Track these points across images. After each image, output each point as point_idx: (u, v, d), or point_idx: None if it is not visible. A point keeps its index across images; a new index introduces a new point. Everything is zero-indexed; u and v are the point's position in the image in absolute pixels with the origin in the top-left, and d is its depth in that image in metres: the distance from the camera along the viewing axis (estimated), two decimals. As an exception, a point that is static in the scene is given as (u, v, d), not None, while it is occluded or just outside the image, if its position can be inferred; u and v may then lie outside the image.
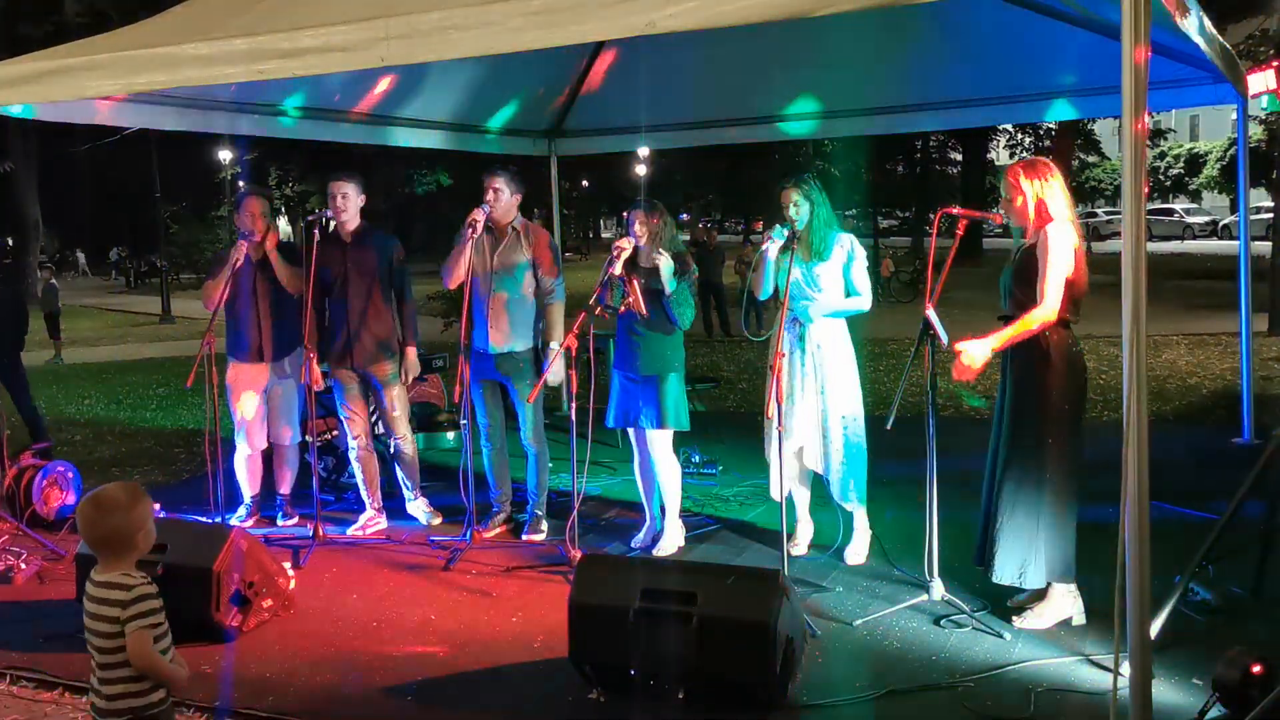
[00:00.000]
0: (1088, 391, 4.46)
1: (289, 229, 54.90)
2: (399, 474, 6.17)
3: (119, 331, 22.72)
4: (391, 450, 6.15)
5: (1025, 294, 4.26)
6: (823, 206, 5.07)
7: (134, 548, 2.82)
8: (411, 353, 5.95)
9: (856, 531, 5.30)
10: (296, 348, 5.98)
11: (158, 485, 7.47)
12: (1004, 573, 4.34)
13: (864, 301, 5.11)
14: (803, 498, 5.40)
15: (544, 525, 5.80)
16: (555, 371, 5.50)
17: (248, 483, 6.14)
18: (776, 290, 5.14)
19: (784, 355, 4.80)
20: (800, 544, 5.38)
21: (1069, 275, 4.19)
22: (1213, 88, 6.80)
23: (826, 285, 5.07)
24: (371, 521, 6.06)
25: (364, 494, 6.12)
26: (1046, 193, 4.25)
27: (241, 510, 6.16)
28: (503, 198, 5.62)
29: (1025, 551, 4.29)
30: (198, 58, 4.23)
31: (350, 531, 5.98)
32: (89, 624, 2.79)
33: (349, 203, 5.83)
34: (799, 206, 5.04)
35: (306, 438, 6.14)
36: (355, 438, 6.04)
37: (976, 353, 4.22)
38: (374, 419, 6.31)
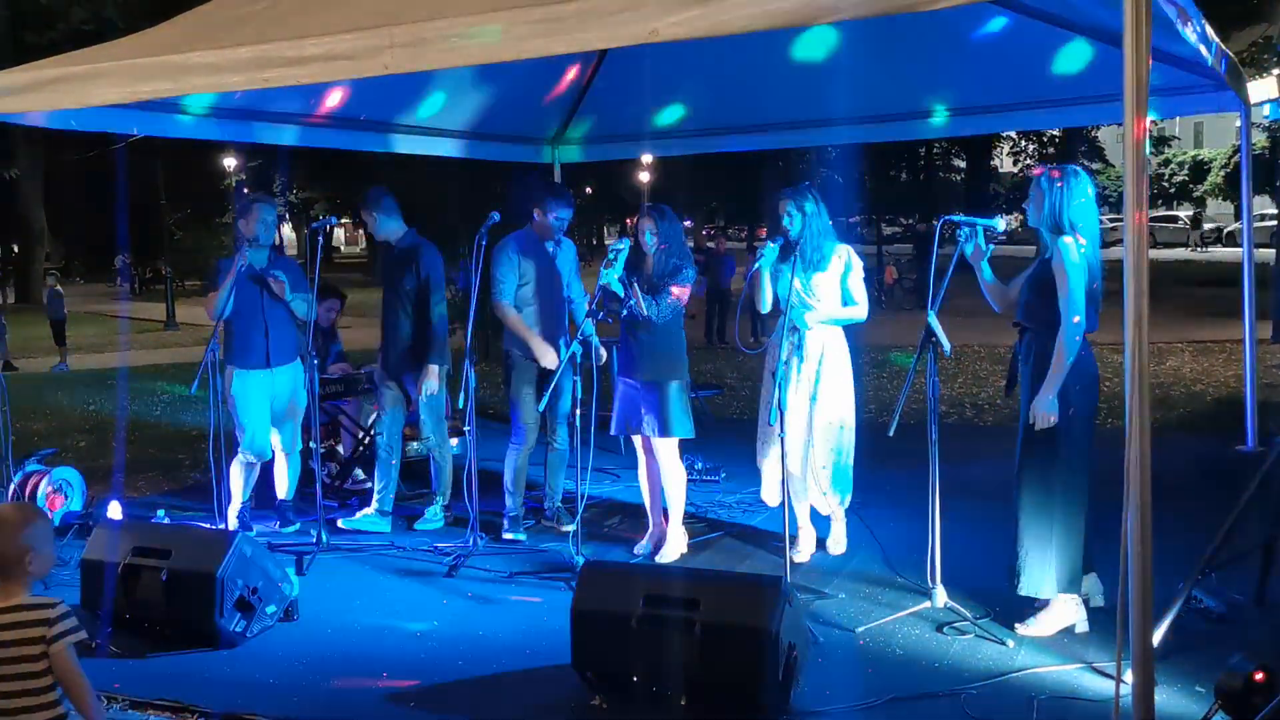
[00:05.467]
0: (1098, 400, 4.43)
1: (293, 235, 55.01)
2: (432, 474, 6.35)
3: (123, 338, 22.76)
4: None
5: (1043, 307, 4.23)
6: (818, 217, 5.10)
7: (25, 571, 2.74)
8: (431, 370, 5.99)
9: (833, 521, 5.42)
10: (299, 355, 6.08)
11: (162, 491, 7.48)
12: (1028, 584, 4.32)
13: (860, 311, 5.18)
14: (804, 504, 5.40)
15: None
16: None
17: (240, 489, 6.10)
18: (777, 299, 5.18)
19: (782, 362, 4.84)
20: (803, 551, 5.38)
21: (1090, 288, 4.17)
22: (1215, 95, 6.80)
23: (824, 294, 5.14)
24: (365, 515, 6.17)
25: (375, 489, 6.24)
26: (1067, 200, 4.19)
27: (234, 521, 6.10)
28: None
29: (1043, 561, 4.28)
30: (203, 65, 4.25)
31: (342, 523, 6.15)
32: None
33: (376, 225, 6.10)
34: (794, 216, 5.09)
35: (311, 444, 6.15)
36: (377, 435, 6.29)
37: (1049, 408, 4.16)
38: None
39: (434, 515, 6.21)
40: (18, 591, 2.75)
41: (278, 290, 5.90)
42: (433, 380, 6.02)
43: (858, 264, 5.19)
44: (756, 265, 5.18)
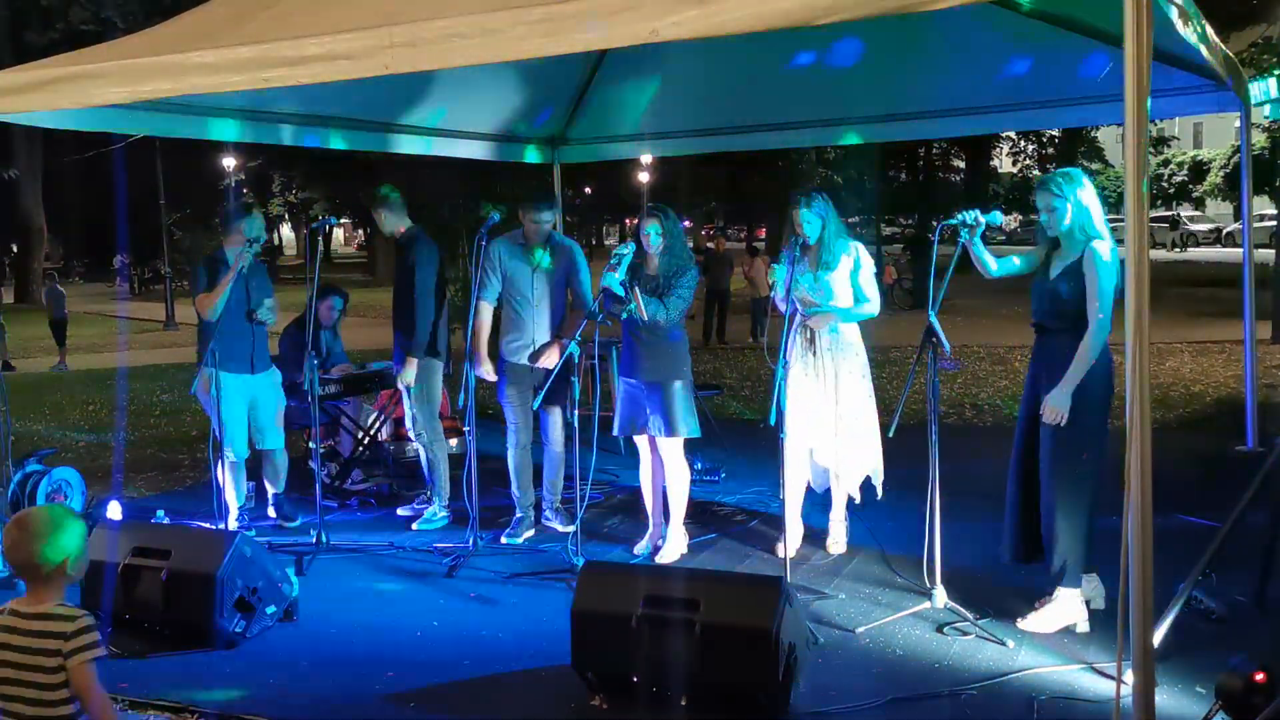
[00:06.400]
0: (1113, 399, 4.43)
1: (292, 235, 55.02)
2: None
3: (122, 338, 22.75)
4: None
5: (1071, 308, 4.25)
6: (832, 220, 5.22)
7: (62, 574, 2.70)
8: (409, 361, 6.05)
9: (834, 523, 5.48)
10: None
11: (161, 491, 7.47)
12: (1073, 578, 4.34)
13: (873, 307, 5.28)
14: (795, 502, 5.43)
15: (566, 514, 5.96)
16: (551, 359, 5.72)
17: (233, 492, 6.09)
18: (790, 300, 5.24)
19: (782, 363, 4.88)
20: (790, 546, 5.35)
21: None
22: (1215, 95, 6.81)
23: (836, 292, 5.23)
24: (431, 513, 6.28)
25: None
26: (1085, 203, 4.25)
27: (234, 522, 6.08)
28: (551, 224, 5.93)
29: (1067, 549, 4.30)
30: (203, 65, 4.24)
31: (416, 525, 6.20)
32: (11, 661, 2.63)
33: (382, 222, 6.27)
34: (813, 223, 5.19)
35: (311, 444, 6.15)
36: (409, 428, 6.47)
37: (1061, 403, 4.20)
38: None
39: (433, 515, 6.21)
40: (51, 597, 2.71)
41: (265, 318, 5.97)
42: (409, 370, 6.05)
43: (868, 261, 5.28)
44: (774, 294, 5.26)
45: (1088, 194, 4.28)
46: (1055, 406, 4.21)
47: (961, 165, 35.41)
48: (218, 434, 5.94)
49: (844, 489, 5.43)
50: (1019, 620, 4.36)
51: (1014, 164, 37.71)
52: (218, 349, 5.78)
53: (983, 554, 5.19)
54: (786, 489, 5.13)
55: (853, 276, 5.23)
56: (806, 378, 5.25)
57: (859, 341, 5.33)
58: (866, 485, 5.44)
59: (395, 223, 6.23)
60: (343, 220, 43.63)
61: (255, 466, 6.31)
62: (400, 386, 6.23)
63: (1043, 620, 4.35)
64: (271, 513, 6.27)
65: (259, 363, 6.04)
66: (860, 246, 5.30)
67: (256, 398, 6.05)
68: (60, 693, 2.65)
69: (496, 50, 3.70)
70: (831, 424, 5.25)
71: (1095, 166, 39.68)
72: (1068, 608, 4.34)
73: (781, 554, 5.28)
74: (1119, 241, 3.57)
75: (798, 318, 5.24)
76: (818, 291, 5.21)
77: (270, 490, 6.28)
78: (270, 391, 6.11)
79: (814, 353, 5.22)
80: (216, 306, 5.76)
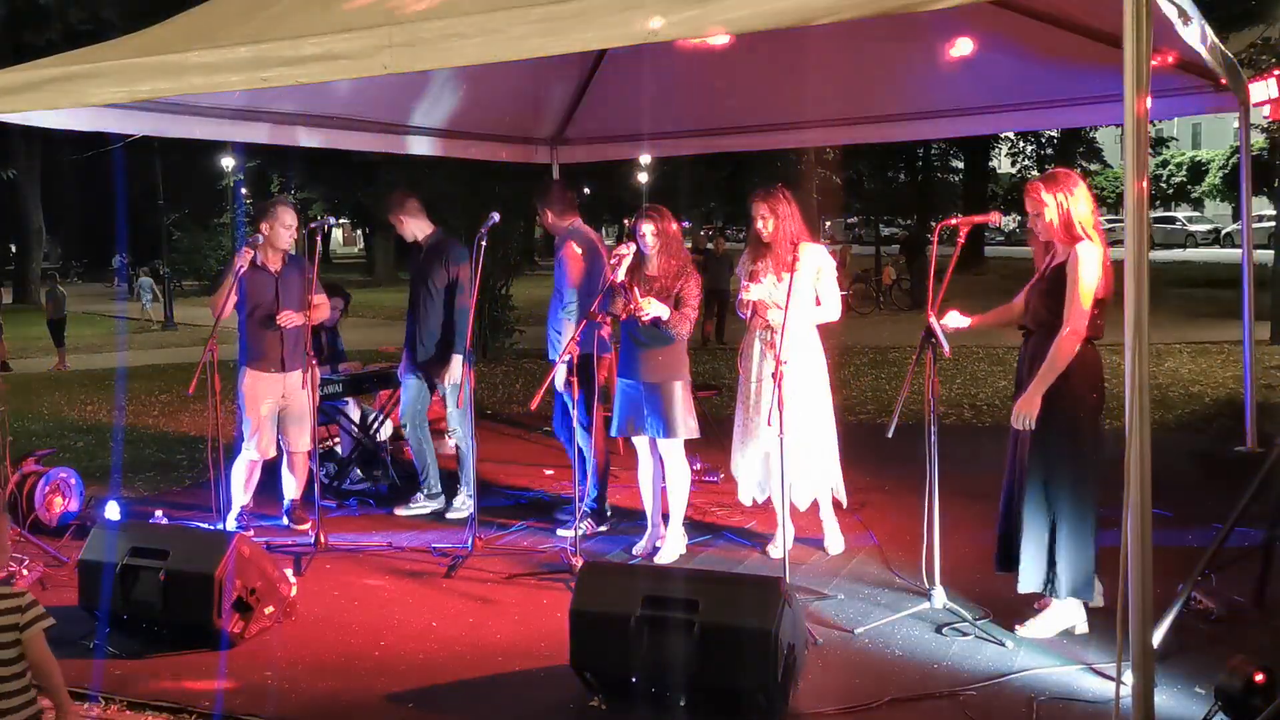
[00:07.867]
0: (1105, 403, 4.40)
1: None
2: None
3: (121, 338, 22.74)
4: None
5: (1051, 311, 4.22)
6: (791, 219, 5.14)
7: None
8: (454, 359, 6.22)
9: (825, 523, 5.47)
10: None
11: (160, 491, 7.46)
12: (1028, 581, 4.31)
13: (831, 311, 5.23)
14: (785, 502, 5.43)
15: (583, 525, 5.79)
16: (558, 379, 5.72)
17: (243, 490, 6.08)
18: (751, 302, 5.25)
19: (746, 362, 4.90)
20: (778, 546, 5.35)
21: (1099, 294, 4.15)
22: (1214, 96, 6.81)
23: (796, 294, 5.11)
24: (416, 502, 6.50)
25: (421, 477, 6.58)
26: (1072, 205, 4.19)
27: (232, 522, 6.05)
28: (548, 219, 6.11)
29: (1047, 562, 4.26)
30: (201, 65, 4.24)
31: (398, 512, 6.47)
32: None
33: (404, 227, 6.45)
34: (767, 219, 5.12)
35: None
36: (401, 425, 6.67)
37: (1028, 406, 4.18)
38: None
39: (462, 505, 6.29)
40: None
41: (286, 323, 5.90)
42: (455, 369, 6.20)
43: (829, 264, 5.24)
44: (744, 297, 5.26)
45: (1077, 194, 4.21)
46: (1021, 410, 4.18)
47: (960, 166, 35.45)
48: (244, 431, 5.96)
49: (804, 496, 5.38)
50: (1016, 627, 4.35)
51: (1013, 164, 37.73)
52: (243, 345, 5.95)
53: (982, 554, 5.18)
54: (771, 489, 5.13)
55: (815, 279, 5.18)
56: (763, 381, 5.19)
57: (818, 346, 5.28)
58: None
59: (418, 228, 6.41)
60: (342, 220, 43.63)
61: (268, 464, 6.28)
62: (444, 386, 6.37)
63: (1039, 627, 4.34)
64: (285, 520, 6.25)
65: (290, 361, 5.99)
66: (823, 249, 5.27)
67: (287, 397, 6.03)
68: (17, 667, 2.70)
69: (496, 50, 3.70)
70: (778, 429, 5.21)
71: (1094, 167, 39.79)
72: (1064, 613, 4.33)
73: (774, 555, 5.29)
74: (1116, 243, 3.57)
75: (755, 320, 5.22)
76: (778, 293, 5.11)
77: (286, 495, 6.26)
78: (299, 392, 6.03)
79: (772, 357, 5.16)
80: (217, 305, 5.77)
